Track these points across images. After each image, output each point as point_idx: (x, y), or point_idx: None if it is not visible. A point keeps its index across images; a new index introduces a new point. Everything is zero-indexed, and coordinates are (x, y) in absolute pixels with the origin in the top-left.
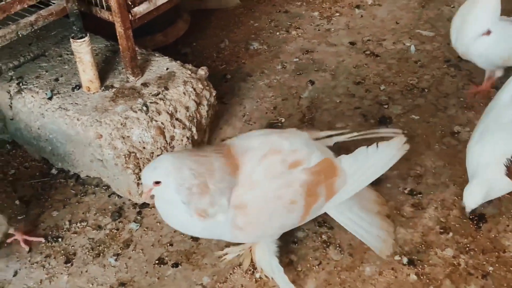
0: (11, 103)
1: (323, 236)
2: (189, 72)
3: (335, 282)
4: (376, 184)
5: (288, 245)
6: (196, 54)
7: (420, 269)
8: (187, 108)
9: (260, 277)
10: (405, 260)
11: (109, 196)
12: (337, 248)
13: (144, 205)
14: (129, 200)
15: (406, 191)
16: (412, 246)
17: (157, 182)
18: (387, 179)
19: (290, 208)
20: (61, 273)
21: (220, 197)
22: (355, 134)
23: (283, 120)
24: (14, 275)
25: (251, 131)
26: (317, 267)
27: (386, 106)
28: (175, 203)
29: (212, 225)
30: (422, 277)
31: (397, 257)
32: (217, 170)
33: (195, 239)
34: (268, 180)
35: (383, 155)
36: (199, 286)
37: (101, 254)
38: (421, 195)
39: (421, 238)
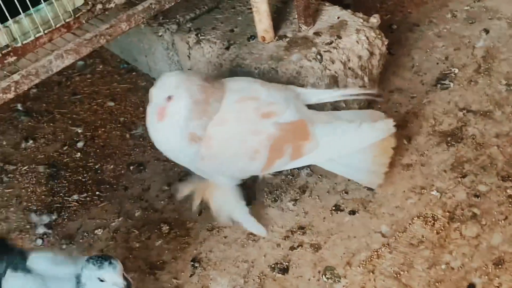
0: (190, 53)
1: (508, 191)
2: (361, 20)
3: None
4: None
5: (469, 198)
6: (359, 5)
7: None
8: (359, 57)
9: (442, 228)
10: None
11: None
12: None
13: None
14: None
15: None
16: None
17: (169, 98)
18: None
19: (252, 156)
20: None
21: (208, 123)
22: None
23: (456, 70)
24: (199, 214)
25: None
26: (503, 221)
27: None
28: (173, 125)
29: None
30: None
31: None
32: (213, 96)
33: (370, 188)
34: (237, 121)
35: (363, 135)
36: (378, 234)
37: (279, 199)
38: None
39: None
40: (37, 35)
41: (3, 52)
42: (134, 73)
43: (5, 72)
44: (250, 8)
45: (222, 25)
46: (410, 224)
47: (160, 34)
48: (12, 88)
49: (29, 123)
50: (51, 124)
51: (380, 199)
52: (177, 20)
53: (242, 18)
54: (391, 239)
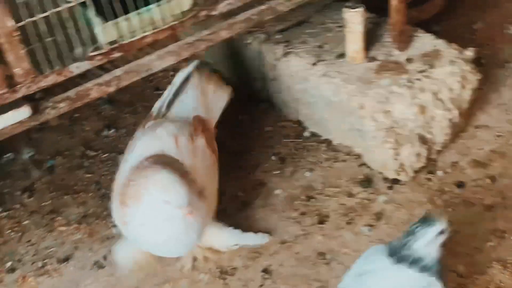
0: (276, 64)
1: None
2: (456, 52)
3: None
4: None
5: None
6: (447, 34)
7: None
8: (451, 90)
9: None
10: None
11: (359, 165)
12: None
13: (395, 180)
14: (380, 173)
15: None
16: None
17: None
18: None
19: None
20: (315, 232)
21: None
22: None
23: None
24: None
25: None
26: None
27: None
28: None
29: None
30: None
31: None
32: None
33: (449, 224)
34: None
35: None
36: (454, 273)
37: (353, 222)
38: None
39: None
40: (143, 34)
41: (111, 47)
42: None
43: (108, 66)
44: (340, 26)
45: (312, 40)
46: (488, 267)
47: (248, 41)
48: (114, 83)
49: (112, 112)
50: (133, 115)
51: (458, 238)
52: (266, 30)
53: (331, 35)
54: (468, 280)
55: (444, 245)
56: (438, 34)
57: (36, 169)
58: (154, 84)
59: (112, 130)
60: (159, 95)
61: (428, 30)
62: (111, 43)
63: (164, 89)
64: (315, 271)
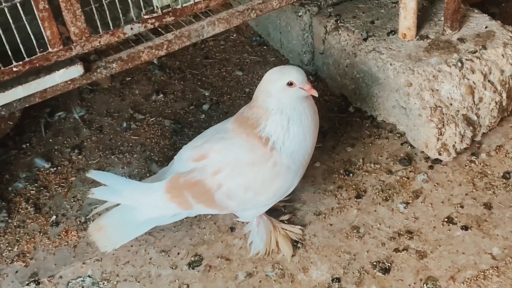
0: (325, 38)
1: None
2: (510, 34)
3: None
4: None
5: None
6: (505, 16)
7: None
8: (502, 72)
9: None
10: None
11: (401, 144)
12: None
13: (437, 160)
14: (422, 152)
15: None
16: None
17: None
18: None
19: None
20: (351, 206)
21: None
22: None
23: None
24: (305, 200)
25: None
26: None
27: None
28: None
29: None
30: None
31: None
32: None
33: (488, 206)
34: None
35: None
36: (488, 255)
37: (390, 198)
38: None
39: None
40: (196, 0)
41: (163, 11)
42: (265, 47)
43: (161, 29)
44: (394, 2)
45: (363, 15)
46: None
47: (300, 14)
48: (165, 46)
49: (162, 78)
50: (182, 82)
51: (496, 220)
52: (318, 3)
53: (384, 11)
54: (501, 262)
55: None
56: (495, 16)
57: (86, 128)
58: (205, 52)
59: (161, 95)
60: (209, 64)
61: (485, 11)
62: (165, 7)
63: (215, 58)
64: (346, 244)
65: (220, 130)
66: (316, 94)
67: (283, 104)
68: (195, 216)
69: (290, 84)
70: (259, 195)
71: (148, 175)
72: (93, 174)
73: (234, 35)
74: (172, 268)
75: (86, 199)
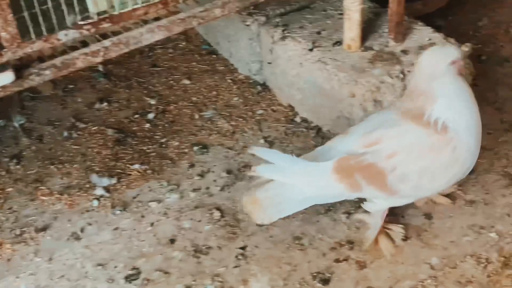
0: (273, 48)
1: None
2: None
3: None
4: None
5: None
6: (451, 29)
7: None
8: None
9: (494, 272)
10: None
11: None
12: None
13: None
14: None
15: None
16: None
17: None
18: None
19: None
20: (294, 217)
21: None
22: None
23: None
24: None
25: None
26: None
27: None
28: None
29: None
30: None
31: None
32: None
33: (428, 216)
34: None
35: None
36: (427, 265)
37: (333, 209)
38: None
39: None
40: (135, 7)
41: (100, 17)
42: (214, 56)
43: (97, 36)
44: (341, 13)
45: (310, 26)
46: (461, 261)
47: (247, 23)
48: (101, 53)
49: (106, 86)
50: (127, 90)
51: (436, 230)
52: (266, 13)
53: (331, 22)
54: (440, 272)
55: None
56: (442, 29)
57: (26, 137)
58: (153, 60)
59: (105, 104)
60: (156, 72)
61: (432, 24)
62: (101, 13)
63: (162, 66)
64: (288, 255)
65: (387, 120)
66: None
67: (447, 84)
68: (134, 229)
69: (453, 62)
70: (434, 181)
71: (87, 186)
72: (256, 151)
73: (183, 43)
74: (108, 282)
75: (22, 211)
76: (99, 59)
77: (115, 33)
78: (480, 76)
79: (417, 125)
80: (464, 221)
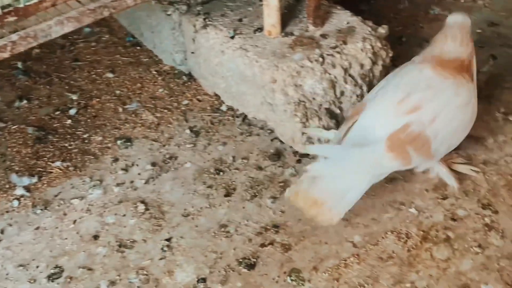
0: (195, 37)
1: (486, 219)
2: (369, 29)
3: (493, 268)
4: None
5: (446, 220)
6: (373, 12)
7: None
8: (361, 66)
9: (414, 247)
10: None
11: (271, 140)
12: (500, 233)
13: (304, 155)
14: (290, 147)
15: None
16: None
17: None
18: None
19: None
20: (220, 205)
21: None
22: None
23: None
24: (174, 202)
25: None
26: (475, 248)
27: None
28: None
29: None
30: None
31: None
32: None
33: None
34: None
35: None
36: (350, 243)
37: (259, 194)
38: None
39: None
40: None
41: (4, 10)
42: (138, 48)
43: (3, 31)
44: (262, 0)
45: (232, 13)
46: (383, 238)
47: (169, 13)
48: (9, 48)
49: (26, 83)
50: (48, 87)
51: (357, 209)
52: (188, 2)
53: (252, 9)
54: (362, 250)
55: None
56: (365, 13)
57: None
58: (74, 55)
59: (25, 101)
60: (78, 66)
61: (356, 8)
62: (6, 6)
63: (85, 60)
64: (214, 243)
65: (420, 79)
66: None
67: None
68: (56, 227)
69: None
70: (460, 138)
71: (6, 186)
72: (310, 149)
73: (107, 36)
74: (30, 282)
75: None
76: (6, 54)
77: None
78: (401, 57)
79: (454, 78)
80: (384, 198)
